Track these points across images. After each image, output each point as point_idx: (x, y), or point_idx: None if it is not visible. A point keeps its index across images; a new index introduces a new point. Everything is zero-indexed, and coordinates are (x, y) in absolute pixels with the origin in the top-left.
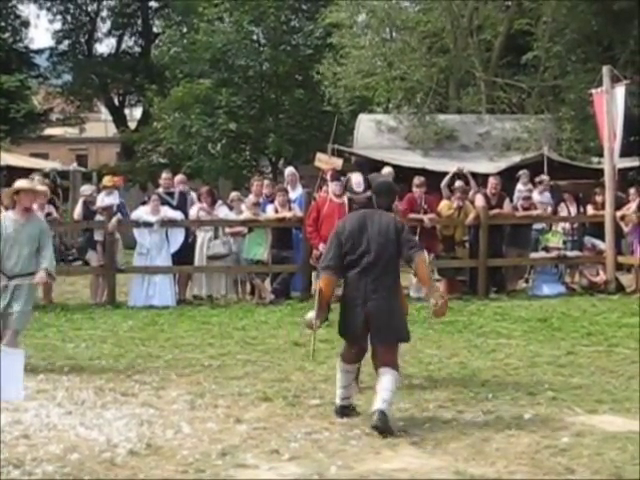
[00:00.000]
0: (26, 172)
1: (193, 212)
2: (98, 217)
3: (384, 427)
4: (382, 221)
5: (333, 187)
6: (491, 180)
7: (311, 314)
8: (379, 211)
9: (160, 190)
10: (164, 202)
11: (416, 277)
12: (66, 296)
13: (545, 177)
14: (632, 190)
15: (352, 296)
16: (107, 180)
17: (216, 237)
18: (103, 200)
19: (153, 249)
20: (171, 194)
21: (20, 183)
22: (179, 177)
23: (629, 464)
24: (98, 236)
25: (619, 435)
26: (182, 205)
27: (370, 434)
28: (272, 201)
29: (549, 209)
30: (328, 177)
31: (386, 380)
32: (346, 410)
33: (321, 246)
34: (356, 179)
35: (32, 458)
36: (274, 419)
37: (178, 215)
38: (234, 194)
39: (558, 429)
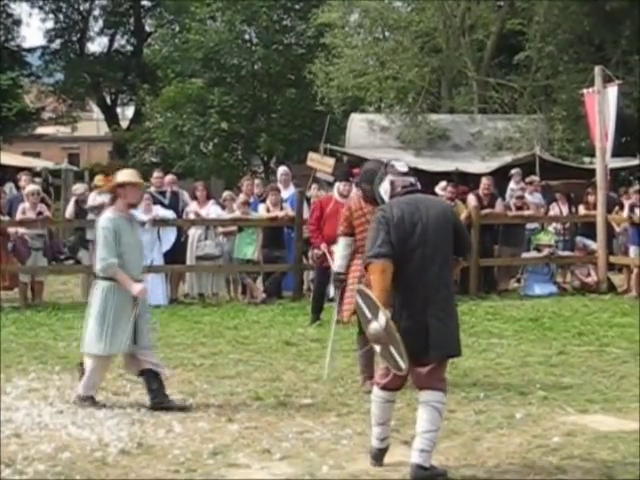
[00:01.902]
0: (18, 171)
1: (191, 209)
2: (90, 216)
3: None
4: (437, 207)
5: (340, 187)
6: (484, 180)
7: (374, 325)
8: (432, 197)
9: (152, 189)
10: (156, 201)
11: None
12: (58, 295)
13: (535, 177)
14: (629, 189)
15: (408, 302)
16: (99, 179)
17: (206, 237)
18: (95, 199)
19: (145, 248)
20: (163, 193)
21: (126, 175)
22: (169, 177)
23: (620, 464)
24: (90, 235)
25: (610, 435)
26: (175, 205)
27: (362, 433)
28: (264, 200)
29: (541, 210)
30: (326, 177)
31: (429, 415)
32: (384, 453)
33: (323, 246)
34: (398, 162)
35: (23, 457)
36: (266, 418)
37: (170, 214)
38: (226, 193)
39: (549, 429)
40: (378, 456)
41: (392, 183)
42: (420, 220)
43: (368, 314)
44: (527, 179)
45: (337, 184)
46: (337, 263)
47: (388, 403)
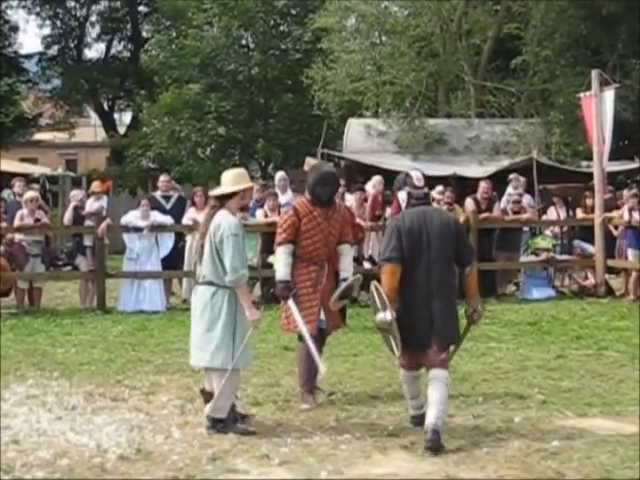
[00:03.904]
0: (15, 177)
1: (188, 215)
2: (87, 222)
3: (437, 447)
4: (442, 219)
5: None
6: (482, 184)
7: (381, 315)
8: (438, 208)
9: (158, 193)
10: (155, 206)
11: (465, 283)
12: (56, 301)
13: (522, 179)
14: (625, 191)
15: (415, 296)
16: (96, 186)
17: None
18: (92, 205)
19: (142, 254)
20: (168, 198)
21: (243, 179)
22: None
23: (619, 467)
24: (87, 241)
25: (609, 438)
26: (180, 210)
27: (360, 438)
28: (262, 206)
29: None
30: None
31: (439, 389)
32: (423, 417)
33: None
34: (416, 174)
35: (22, 464)
36: (264, 424)
37: (168, 220)
38: None
39: (548, 433)
40: (420, 421)
41: (409, 194)
42: (426, 229)
43: (379, 305)
44: (512, 176)
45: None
46: (282, 271)
47: (415, 379)
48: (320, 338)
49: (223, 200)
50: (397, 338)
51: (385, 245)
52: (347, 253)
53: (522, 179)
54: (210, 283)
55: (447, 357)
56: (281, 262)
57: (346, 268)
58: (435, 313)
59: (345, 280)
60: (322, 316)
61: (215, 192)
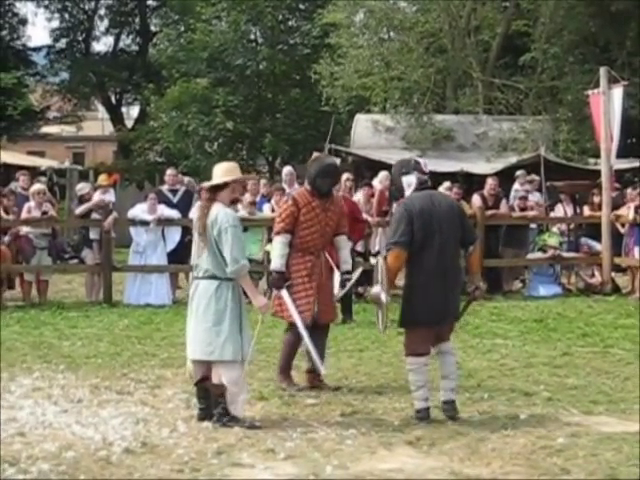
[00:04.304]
0: (24, 170)
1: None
2: (94, 215)
3: (455, 415)
4: (447, 202)
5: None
6: (489, 181)
7: (377, 288)
8: (440, 192)
9: (165, 187)
10: (162, 200)
11: (468, 262)
12: (62, 294)
13: (535, 177)
14: (629, 190)
15: (430, 276)
16: (103, 179)
17: None
18: (99, 198)
19: (149, 247)
20: (175, 191)
21: (234, 171)
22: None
23: (624, 465)
24: (94, 234)
25: (615, 436)
26: (187, 204)
27: (366, 433)
28: (269, 200)
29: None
30: None
31: (451, 362)
32: (429, 410)
33: None
34: (423, 161)
35: (27, 456)
36: (270, 418)
37: (174, 214)
38: None
39: (554, 430)
40: (426, 415)
41: (418, 180)
42: (435, 212)
43: (380, 279)
44: (528, 177)
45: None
46: (278, 262)
47: (424, 367)
48: (315, 328)
49: (215, 193)
50: (385, 315)
51: (394, 230)
52: (344, 245)
53: (537, 178)
54: (213, 277)
55: (453, 327)
56: (277, 252)
57: (346, 260)
58: (449, 292)
59: (348, 273)
60: (315, 304)
61: (207, 183)
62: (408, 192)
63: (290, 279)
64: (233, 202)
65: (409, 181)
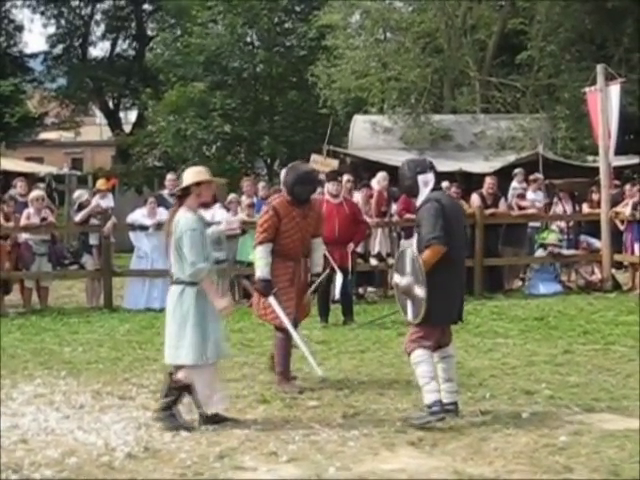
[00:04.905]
0: (20, 177)
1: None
2: (93, 221)
3: (458, 411)
4: (456, 203)
5: (329, 187)
6: (488, 180)
7: (408, 279)
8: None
9: (165, 192)
10: (162, 204)
11: None
12: (62, 300)
13: (539, 175)
14: (628, 186)
15: (455, 276)
16: (101, 184)
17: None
18: (97, 203)
19: (154, 252)
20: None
21: (198, 175)
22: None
23: (627, 462)
24: (93, 240)
25: (617, 433)
26: None
27: (368, 434)
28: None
29: (538, 204)
30: (323, 177)
31: (453, 365)
32: (442, 404)
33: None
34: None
35: (30, 462)
36: (272, 421)
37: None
38: (232, 196)
39: (556, 428)
40: (441, 407)
41: (434, 179)
42: (458, 212)
43: (410, 271)
44: (531, 177)
45: (327, 185)
46: (264, 270)
47: (432, 358)
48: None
49: (181, 199)
50: (421, 307)
51: (432, 224)
52: (318, 247)
53: (540, 177)
54: (178, 281)
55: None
56: (262, 261)
57: (317, 263)
58: (463, 291)
59: (317, 275)
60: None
61: (176, 189)
62: (425, 190)
63: (275, 287)
64: (204, 205)
65: (426, 179)
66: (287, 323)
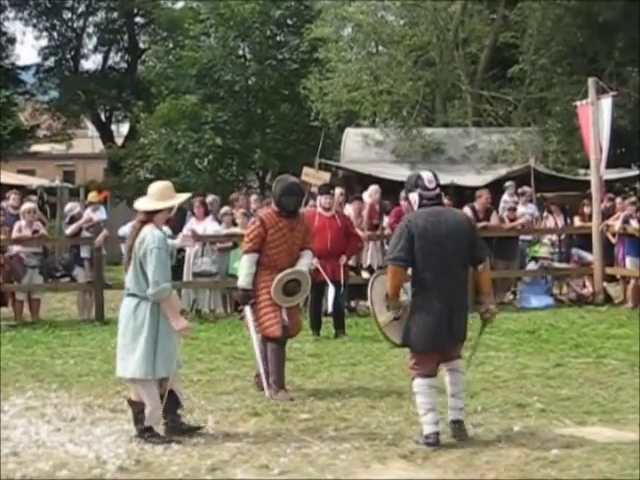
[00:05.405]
0: (13, 189)
1: (188, 225)
2: (85, 234)
3: (464, 437)
4: (456, 219)
5: (322, 200)
6: (484, 194)
7: (387, 315)
8: (450, 208)
9: None
10: None
11: (478, 280)
12: (54, 313)
13: (527, 188)
14: (619, 200)
15: (433, 298)
16: (93, 196)
17: (203, 254)
18: (89, 216)
19: None
20: None
21: (161, 196)
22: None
23: (619, 475)
24: (85, 252)
25: (608, 446)
26: (180, 221)
27: (360, 447)
28: None
29: (528, 217)
30: (315, 190)
31: (459, 381)
32: (437, 438)
33: (315, 261)
34: (427, 175)
35: (21, 476)
36: (263, 434)
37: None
38: (225, 209)
39: (547, 441)
40: (436, 440)
41: (420, 196)
42: (441, 229)
43: (379, 309)
44: (519, 190)
45: (319, 198)
46: (245, 280)
47: (431, 388)
48: (284, 340)
49: (151, 215)
50: (385, 334)
51: (393, 245)
52: (306, 255)
53: (528, 190)
54: (133, 295)
55: (461, 350)
56: (245, 270)
57: (301, 264)
58: (453, 313)
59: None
60: (284, 315)
61: (143, 207)
62: (415, 207)
63: (258, 295)
64: (168, 222)
65: (414, 199)
66: (253, 334)
